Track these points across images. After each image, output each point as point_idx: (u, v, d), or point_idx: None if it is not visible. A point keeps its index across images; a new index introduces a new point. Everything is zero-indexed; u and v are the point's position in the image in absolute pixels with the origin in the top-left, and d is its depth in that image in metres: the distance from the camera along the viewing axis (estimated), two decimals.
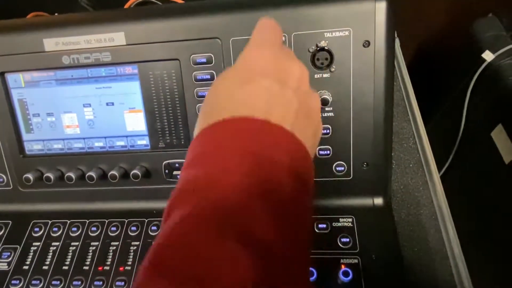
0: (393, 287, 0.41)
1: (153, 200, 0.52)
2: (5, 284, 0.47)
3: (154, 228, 0.50)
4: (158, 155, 0.51)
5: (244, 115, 0.27)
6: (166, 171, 0.51)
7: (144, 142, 0.51)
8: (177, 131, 0.50)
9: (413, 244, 0.47)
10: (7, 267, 0.49)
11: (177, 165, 0.50)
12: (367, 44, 0.43)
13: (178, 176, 0.50)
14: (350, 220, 0.47)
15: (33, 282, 0.47)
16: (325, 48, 0.43)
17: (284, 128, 0.27)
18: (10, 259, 0.50)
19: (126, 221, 0.51)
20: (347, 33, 0.42)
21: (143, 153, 0.51)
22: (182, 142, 0.50)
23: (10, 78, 0.51)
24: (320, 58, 0.43)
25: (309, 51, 0.44)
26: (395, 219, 0.48)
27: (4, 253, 0.50)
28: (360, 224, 0.46)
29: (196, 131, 0.29)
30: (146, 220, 0.51)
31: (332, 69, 0.44)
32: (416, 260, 0.45)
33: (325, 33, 0.43)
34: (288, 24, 0.43)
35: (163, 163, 0.51)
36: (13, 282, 0.47)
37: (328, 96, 0.44)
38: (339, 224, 0.46)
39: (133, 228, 0.50)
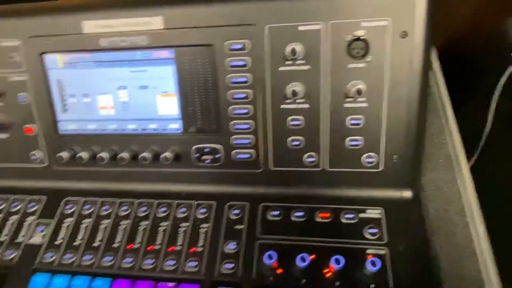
0: (420, 280, 0.41)
1: (182, 183, 0.53)
2: (39, 256, 0.49)
3: (182, 210, 0.51)
4: (189, 139, 0.52)
5: None
6: (196, 155, 0.52)
7: (176, 126, 0.52)
8: (209, 116, 0.50)
9: (440, 238, 0.47)
10: (41, 240, 0.51)
11: (207, 149, 0.51)
12: (405, 35, 0.42)
13: (207, 160, 0.52)
14: (378, 211, 0.47)
15: (66, 256, 0.49)
16: (362, 37, 0.43)
17: None
18: (44, 233, 0.52)
19: (156, 202, 0.53)
20: (385, 23, 0.42)
21: (174, 136, 0.52)
22: (213, 128, 0.51)
23: (49, 59, 0.52)
24: (356, 48, 0.43)
25: (345, 40, 0.43)
26: (423, 213, 0.48)
27: (38, 228, 0.52)
28: (388, 216, 0.46)
29: None
30: (175, 203, 0.52)
31: (368, 59, 0.43)
32: (443, 255, 0.45)
33: (363, 23, 0.42)
34: (326, 13, 0.43)
35: (193, 147, 0.52)
36: (47, 254, 0.49)
37: (362, 86, 0.44)
38: (367, 216, 0.47)
39: (162, 209, 0.52)
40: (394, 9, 0.42)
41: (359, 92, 0.43)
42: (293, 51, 0.43)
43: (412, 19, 0.42)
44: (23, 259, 0.50)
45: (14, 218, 0.54)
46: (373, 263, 0.41)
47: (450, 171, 0.53)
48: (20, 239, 0.52)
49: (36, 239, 0.52)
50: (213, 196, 0.52)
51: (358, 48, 0.43)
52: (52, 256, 0.49)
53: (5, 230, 0.53)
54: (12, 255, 0.50)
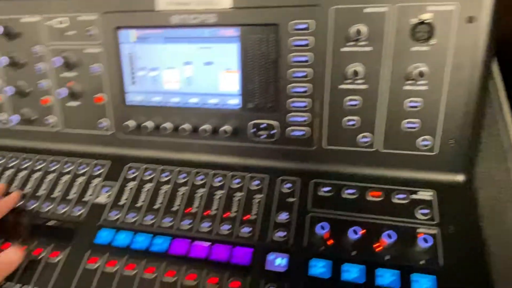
0: (470, 261, 0.42)
1: (238, 156, 0.56)
2: (104, 214, 0.54)
3: (236, 181, 0.54)
4: (247, 115, 0.54)
5: None
6: (253, 130, 0.54)
7: (235, 101, 0.55)
8: (268, 93, 0.53)
9: (490, 225, 0.47)
10: (106, 200, 0.56)
11: (263, 125, 0.54)
12: (471, 20, 0.43)
13: (263, 136, 0.54)
14: (431, 193, 0.48)
15: (129, 215, 0.53)
16: (427, 21, 0.44)
17: None
18: (109, 194, 0.56)
19: (211, 172, 0.56)
20: (452, 7, 0.43)
21: (233, 111, 0.55)
22: (271, 105, 0.53)
23: (122, 33, 0.56)
24: (421, 31, 0.44)
25: (410, 23, 0.45)
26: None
27: (103, 189, 0.57)
28: (440, 199, 0.47)
29: None
30: (230, 174, 0.55)
31: (432, 43, 0.44)
32: (493, 241, 0.46)
33: (429, 6, 0.43)
34: None
35: (251, 123, 0.54)
36: (112, 213, 0.54)
37: (424, 68, 0.45)
38: (418, 197, 0.48)
39: (218, 179, 0.55)
40: None
41: (421, 74, 0.44)
42: (358, 32, 0.45)
43: (480, 4, 0.42)
44: (90, 216, 0.54)
45: (81, 179, 0.59)
46: (425, 240, 0.42)
47: (503, 160, 0.53)
48: (87, 198, 0.57)
49: (102, 199, 0.56)
50: (266, 170, 0.54)
51: (423, 31, 0.44)
52: (116, 215, 0.54)
53: (73, 190, 0.58)
54: (80, 211, 0.55)
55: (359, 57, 0.47)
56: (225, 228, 0.49)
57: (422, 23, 0.44)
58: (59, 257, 0.50)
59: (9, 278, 0.49)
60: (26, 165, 0.62)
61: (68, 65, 0.59)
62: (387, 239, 0.43)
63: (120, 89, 0.59)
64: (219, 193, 0.53)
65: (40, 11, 0.58)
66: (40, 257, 0.51)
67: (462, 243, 0.43)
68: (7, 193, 0.59)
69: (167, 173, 0.57)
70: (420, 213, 0.46)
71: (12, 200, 0.56)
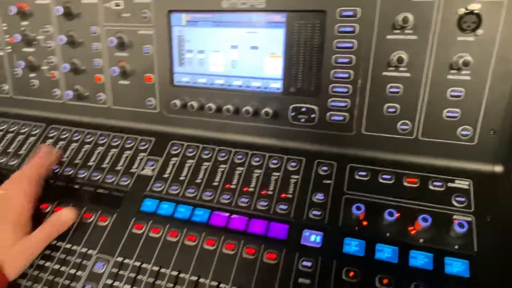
0: (504, 249, 0.43)
1: (276, 138, 0.58)
2: (149, 185, 0.58)
3: (274, 161, 0.56)
4: (288, 98, 0.56)
5: None
6: (293, 113, 0.57)
7: (277, 85, 0.57)
8: (309, 78, 0.55)
9: None
10: (151, 173, 0.59)
11: (303, 109, 0.56)
12: None
13: (303, 120, 0.56)
14: (467, 183, 0.48)
15: (172, 187, 0.57)
16: (475, 11, 0.44)
17: None
18: (153, 167, 0.60)
19: (250, 152, 0.58)
20: None
21: (274, 95, 0.57)
22: (312, 89, 0.55)
23: (174, 16, 0.60)
24: (468, 21, 0.45)
25: (457, 13, 0.45)
26: None
27: (149, 162, 0.61)
28: (477, 188, 0.47)
29: None
30: (268, 155, 0.58)
31: (478, 33, 0.45)
32: None
33: None
34: None
35: (291, 106, 0.56)
36: (156, 184, 0.57)
37: (469, 58, 0.45)
38: (455, 185, 0.48)
39: (256, 159, 0.57)
40: None
41: (465, 64, 0.45)
42: (405, 20, 0.46)
43: None
44: (136, 186, 0.58)
45: (128, 153, 0.63)
46: (461, 225, 0.43)
47: None
48: (133, 170, 0.60)
49: (147, 171, 0.60)
50: (303, 153, 0.57)
51: (470, 21, 0.45)
52: (160, 186, 0.57)
53: (121, 162, 0.62)
54: (127, 182, 0.59)
55: (404, 45, 0.48)
56: (262, 204, 0.52)
57: (470, 13, 0.45)
58: (107, 222, 0.54)
59: (61, 238, 0.54)
60: (77, 138, 0.67)
61: (122, 45, 0.63)
62: (422, 222, 0.44)
63: (169, 70, 0.62)
64: (257, 172, 0.56)
65: None
66: (89, 220, 0.55)
67: (497, 232, 0.44)
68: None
69: (208, 151, 0.60)
70: (456, 201, 0.47)
71: (54, 156, 0.60)
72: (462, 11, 0.45)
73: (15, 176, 0.57)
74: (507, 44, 0.45)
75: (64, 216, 0.54)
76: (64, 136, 0.68)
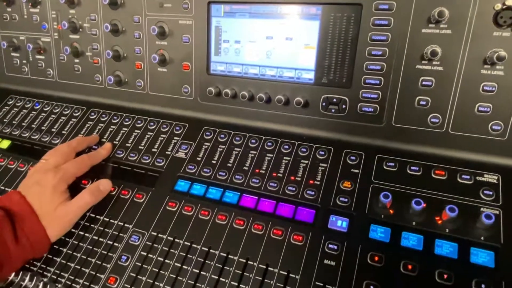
0: None
1: (306, 128, 0.60)
2: (183, 167, 0.61)
3: (303, 149, 0.58)
4: (320, 89, 0.58)
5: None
6: (323, 104, 0.58)
7: (309, 76, 0.59)
8: (342, 69, 0.56)
9: None
10: (184, 155, 0.62)
11: (334, 100, 0.57)
12: None
13: (333, 110, 0.58)
14: (496, 177, 0.49)
15: (204, 170, 0.59)
16: None
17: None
18: (187, 150, 0.63)
19: (280, 140, 0.61)
20: None
21: (306, 85, 0.59)
22: (344, 80, 0.57)
23: (214, 7, 0.62)
24: (504, 17, 0.45)
25: (494, 8, 0.46)
26: None
27: (182, 146, 0.64)
28: (506, 183, 0.48)
29: None
30: (297, 143, 0.59)
31: None
32: None
33: None
34: None
35: (322, 97, 0.58)
36: (189, 166, 0.60)
37: (504, 53, 0.46)
38: (484, 179, 0.49)
39: (286, 147, 0.59)
40: None
41: (500, 59, 0.46)
42: (441, 14, 0.47)
43: None
44: (170, 167, 0.61)
45: (163, 136, 0.66)
46: (489, 216, 0.44)
47: None
48: (168, 152, 0.64)
49: (181, 154, 0.63)
50: (332, 143, 0.58)
51: (507, 17, 0.45)
52: (193, 168, 0.60)
53: (156, 144, 0.65)
54: (162, 162, 0.62)
55: (439, 39, 0.49)
56: (291, 189, 0.54)
57: (507, 8, 0.45)
58: (143, 199, 0.58)
59: (100, 212, 0.57)
60: (116, 121, 0.71)
61: (162, 34, 0.66)
62: (449, 212, 0.45)
63: (206, 59, 0.65)
64: (286, 158, 0.58)
65: None
66: (127, 197, 0.59)
67: None
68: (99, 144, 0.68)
69: (239, 138, 0.62)
70: (484, 194, 0.47)
71: (106, 150, 0.65)
72: (498, 6, 0.45)
73: (59, 147, 0.62)
74: None
75: (101, 186, 0.58)
76: (104, 119, 0.72)
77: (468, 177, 0.49)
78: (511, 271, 0.42)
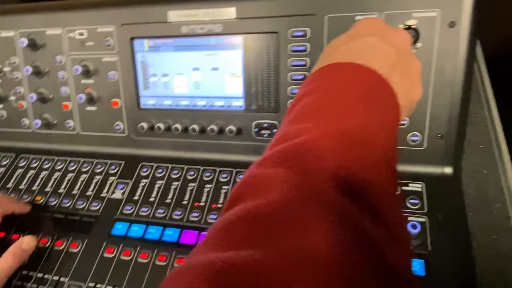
0: (456, 247, 0.46)
1: (242, 154, 0.60)
2: (120, 209, 0.58)
3: (241, 176, 0.58)
4: (250, 115, 0.59)
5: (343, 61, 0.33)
6: (256, 130, 0.59)
7: (239, 103, 0.59)
8: (269, 95, 0.58)
9: (477, 214, 0.50)
10: (121, 196, 0.60)
11: (265, 125, 0.58)
12: (453, 24, 0.47)
13: (265, 135, 0.58)
14: (420, 185, 0.51)
15: (142, 209, 0.58)
16: (413, 26, 0.48)
17: (377, 72, 0.32)
18: (123, 190, 0.61)
19: (218, 169, 0.60)
20: (435, 13, 0.47)
21: (237, 113, 0.60)
22: (272, 106, 0.58)
23: (137, 43, 0.62)
24: None
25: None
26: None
27: (119, 186, 0.62)
28: (429, 190, 0.50)
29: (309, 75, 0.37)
30: (235, 170, 0.59)
31: (417, 46, 0.49)
32: (478, 228, 0.49)
33: (414, 13, 0.48)
34: (380, 4, 0.49)
35: (254, 123, 0.59)
36: (126, 207, 0.58)
37: None
38: (409, 188, 0.51)
39: (224, 175, 0.59)
40: (444, 0, 0.47)
41: None
42: None
43: (460, 10, 0.46)
44: (106, 210, 0.59)
45: (98, 177, 0.64)
46: (414, 226, 0.46)
47: (491, 155, 0.56)
48: (103, 194, 0.61)
49: (117, 195, 0.61)
50: None
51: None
52: (130, 209, 0.58)
53: (91, 187, 0.63)
54: (97, 206, 0.60)
55: None
56: None
57: (408, 28, 0.48)
58: (78, 248, 0.55)
59: (32, 268, 0.54)
60: (47, 166, 0.68)
61: (87, 73, 0.64)
62: None
63: (135, 94, 0.64)
64: (225, 188, 0.58)
65: (63, 24, 0.64)
66: (61, 248, 0.55)
67: (449, 231, 0.47)
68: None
69: (176, 171, 0.61)
70: (411, 203, 0.50)
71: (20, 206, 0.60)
72: (401, 26, 0.49)
73: None
74: (443, 54, 0.48)
75: (24, 244, 0.54)
76: (34, 166, 0.68)
77: None
78: (441, 278, 0.44)
